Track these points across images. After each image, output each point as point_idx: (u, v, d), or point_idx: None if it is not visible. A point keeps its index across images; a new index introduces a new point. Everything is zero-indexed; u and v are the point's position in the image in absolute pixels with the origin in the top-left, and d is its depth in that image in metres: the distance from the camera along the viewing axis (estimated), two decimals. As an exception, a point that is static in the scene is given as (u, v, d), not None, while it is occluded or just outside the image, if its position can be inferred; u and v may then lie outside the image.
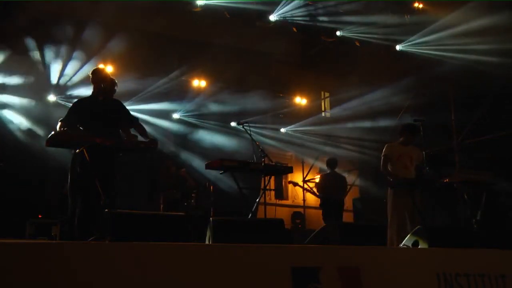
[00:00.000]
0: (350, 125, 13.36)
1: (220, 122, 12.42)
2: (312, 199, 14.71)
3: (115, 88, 5.94)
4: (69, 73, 10.20)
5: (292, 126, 13.95)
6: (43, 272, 2.86)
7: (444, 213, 8.84)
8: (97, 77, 5.81)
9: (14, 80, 9.91)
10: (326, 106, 15.90)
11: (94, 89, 5.82)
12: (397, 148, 7.05)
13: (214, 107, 12.01)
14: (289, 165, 7.07)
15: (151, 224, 4.00)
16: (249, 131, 6.67)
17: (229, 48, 11.11)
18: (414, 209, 6.52)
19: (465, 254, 4.55)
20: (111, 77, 6.04)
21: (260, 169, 6.27)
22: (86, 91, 5.93)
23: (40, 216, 8.74)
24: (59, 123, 5.41)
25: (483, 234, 5.51)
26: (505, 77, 9.88)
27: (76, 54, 9.88)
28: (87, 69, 8.87)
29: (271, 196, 13.19)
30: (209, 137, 12.01)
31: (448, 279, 4.20)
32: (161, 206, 9.45)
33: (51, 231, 8.26)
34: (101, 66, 8.87)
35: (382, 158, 6.99)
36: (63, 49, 9.81)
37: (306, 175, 14.53)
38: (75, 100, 6.00)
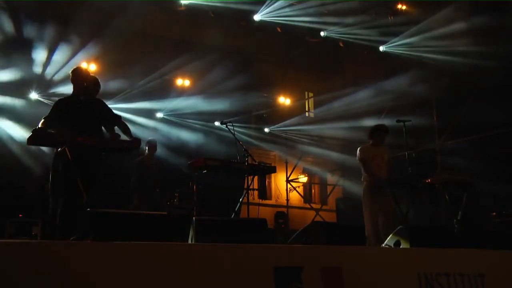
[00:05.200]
0: (333, 125, 13.43)
1: (204, 122, 12.39)
2: (295, 199, 14.78)
3: (98, 87, 5.88)
4: (51, 72, 10.08)
5: (276, 126, 13.98)
6: (24, 272, 2.83)
7: (426, 213, 8.92)
8: (77, 77, 5.70)
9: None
10: (309, 106, 15.98)
11: (74, 88, 5.73)
12: (370, 150, 7.13)
13: (197, 106, 11.97)
14: (273, 164, 7.08)
15: (133, 223, 3.97)
16: (232, 131, 6.67)
17: (213, 47, 11.10)
18: (391, 209, 6.61)
19: (445, 254, 4.59)
20: (94, 76, 5.97)
21: (243, 169, 6.27)
22: (70, 89, 5.84)
23: (20, 216, 8.63)
24: (42, 120, 5.33)
25: (464, 234, 5.56)
26: (488, 78, 9.99)
27: (58, 52, 9.77)
28: (70, 67, 8.79)
29: (254, 196, 13.19)
30: (192, 136, 11.97)
31: (428, 278, 4.25)
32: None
33: (31, 231, 8.17)
34: (83, 65, 8.78)
35: (361, 162, 7.06)
36: (45, 47, 9.69)
37: (290, 175, 14.56)
38: (57, 99, 5.91)
